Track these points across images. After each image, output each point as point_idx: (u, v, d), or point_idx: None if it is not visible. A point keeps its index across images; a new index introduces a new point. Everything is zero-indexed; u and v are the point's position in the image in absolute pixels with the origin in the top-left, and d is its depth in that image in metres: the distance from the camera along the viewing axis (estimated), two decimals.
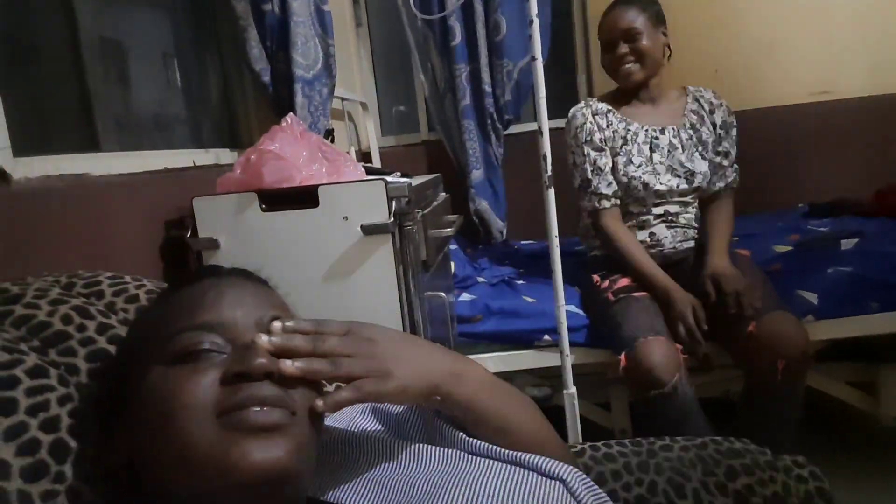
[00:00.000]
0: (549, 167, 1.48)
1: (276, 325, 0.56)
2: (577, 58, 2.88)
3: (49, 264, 0.90)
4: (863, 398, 1.83)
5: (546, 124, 1.47)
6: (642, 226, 1.74)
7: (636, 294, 1.62)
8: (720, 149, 1.75)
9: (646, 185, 1.69)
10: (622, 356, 1.48)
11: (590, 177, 1.72)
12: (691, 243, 1.74)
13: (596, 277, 1.76)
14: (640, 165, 1.70)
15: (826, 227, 2.17)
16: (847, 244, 1.83)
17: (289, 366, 0.53)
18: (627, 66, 1.69)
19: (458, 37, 2.49)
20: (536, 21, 1.41)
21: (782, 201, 2.58)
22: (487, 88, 2.54)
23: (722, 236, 1.69)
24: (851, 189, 2.50)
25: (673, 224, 1.73)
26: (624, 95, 1.78)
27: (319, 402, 0.54)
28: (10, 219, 0.93)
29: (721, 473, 0.81)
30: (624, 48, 1.67)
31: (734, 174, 1.77)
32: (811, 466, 0.84)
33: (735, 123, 1.78)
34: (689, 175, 1.70)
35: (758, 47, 2.68)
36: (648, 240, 1.73)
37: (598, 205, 1.71)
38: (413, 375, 0.58)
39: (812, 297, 1.66)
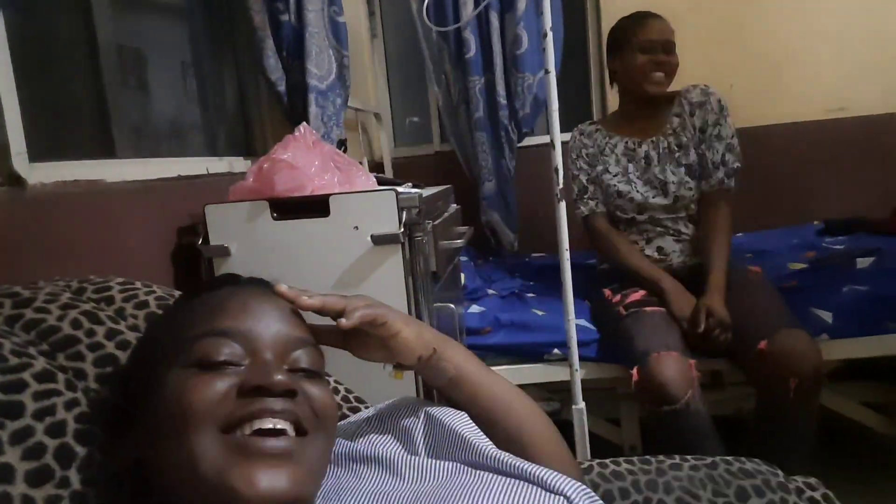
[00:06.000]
0: (561, 180, 1.48)
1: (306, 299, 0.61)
2: (591, 73, 2.88)
3: (61, 269, 0.90)
4: (879, 419, 1.80)
5: (559, 137, 1.47)
6: (649, 239, 1.75)
7: (648, 308, 1.60)
8: (700, 150, 1.72)
9: (620, 192, 1.74)
10: (634, 371, 1.46)
11: (586, 184, 1.80)
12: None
13: (607, 291, 1.75)
14: (615, 175, 1.76)
15: (842, 244, 2.15)
16: (863, 262, 1.80)
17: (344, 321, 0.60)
18: (661, 74, 1.71)
19: (472, 49, 2.50)
20: (550, 35, 1.42)
21: (797, 218, 2.55)
22: (502, 101, 2.53)
23: (717, 264, 1.62)
24: (867, 206, 2.46)
25: (681, 238, 1.72)
26: (622, 111, 1.84)
27: (343, 320, 0.60)
28: (24, 223, 0.94)
29: (731, 494, 0.80)
30: (663, 56, 1.70)
31: (722, 175, 1.68)
32: (823, 489, 0.82)
33: (723, 121, 1.71)
34: (663, 186, 1.72)
35: (773, 63, 2.67)
36: (656, 254, 1.72)
37: (590, 210, 1.78)
38: (415, 330, 0.67)
39: (827, 316, 1.63)
